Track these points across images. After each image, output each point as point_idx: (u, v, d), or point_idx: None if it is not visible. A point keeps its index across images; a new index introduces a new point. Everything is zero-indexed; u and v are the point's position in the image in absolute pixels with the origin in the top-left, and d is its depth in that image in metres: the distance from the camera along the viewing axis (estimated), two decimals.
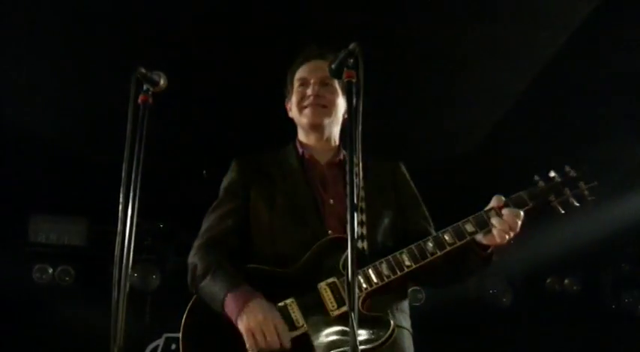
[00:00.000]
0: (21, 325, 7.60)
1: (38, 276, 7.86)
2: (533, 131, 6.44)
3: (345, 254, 2.66)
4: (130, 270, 2.35)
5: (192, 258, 3.01)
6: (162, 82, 2.67)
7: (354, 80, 2.46)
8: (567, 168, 2.96)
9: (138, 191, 2.43)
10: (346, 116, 3.18)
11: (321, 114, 3.16)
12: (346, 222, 2.75)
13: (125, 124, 2.47)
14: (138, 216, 2.43)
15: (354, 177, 2.44)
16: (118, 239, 2.31)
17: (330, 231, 2.98)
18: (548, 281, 8.92)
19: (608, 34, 5.14)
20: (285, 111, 3.39)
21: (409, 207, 3.23)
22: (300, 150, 3.26)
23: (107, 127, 4.76)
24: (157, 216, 7.76)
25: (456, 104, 6.16)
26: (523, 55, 5.45)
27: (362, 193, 3.07)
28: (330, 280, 2.83)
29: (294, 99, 3.24)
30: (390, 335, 2.74)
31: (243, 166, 3.24)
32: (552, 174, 2.95)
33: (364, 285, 2.80)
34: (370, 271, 2.82)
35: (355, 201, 2.91)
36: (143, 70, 2.60)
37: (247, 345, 2.71)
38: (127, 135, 2.41)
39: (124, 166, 2.39)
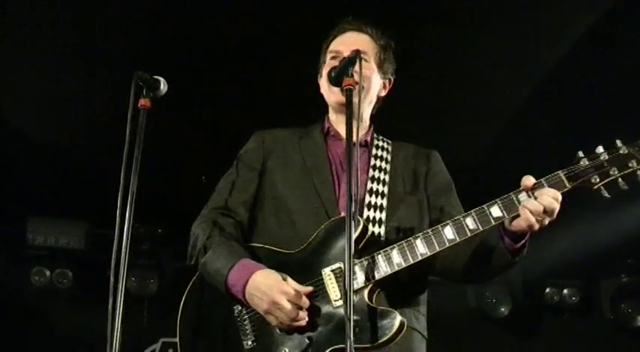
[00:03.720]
0: (19, 328, 7.60)
1: (36, 279, 7.84)
2: (532, 144, 6.43)
3: (357, 236, 2.55)
4: (125, 275, 2.35)
5: (196, 228, 2.85)
6: (162, 86, 2.67)
7: (353, 87, 2.45)
8: (618, 144, 2.48)
9: (135, 195, 2.42)
10: (383, 94, 3.12)
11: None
12: (363, 205, 2.77)
13: (124, 128, 2.47)
14: (136, 221, 2.43)
15: (353, 179, 2.31)
16: (115, 243, 2.30)
17: (343, 213, 2.69)
18: (547, 291, 8.89)
19: (608, 47, 5.14)
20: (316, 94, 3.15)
21: (440, 196, 2.97)
22: (327, 126, 3.08)
23: (107, 131, 4.75)
24: (155, 220, 7.74)
25: (455, 116, 6.15)
26: (523, 67, 5.45)
27: (385, 177, 2.90)
28: (336, 266, 2.58)
29: (324, 73, 2.98)
30: (396, 334, 2.44)
31: (264, 138, 3.07)
32: (600, 150, 2.48)
33: (372, 274, 2.52)
34: (379, 257, 2.54)
35: (376, 188, 2.82)
36: (143, 75, 2.60)
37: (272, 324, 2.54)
38: (126, 140, 2.41)
39: (123, 170, 2.39)
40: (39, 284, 7.84)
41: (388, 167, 2.94)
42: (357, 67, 2.57)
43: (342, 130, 2.99)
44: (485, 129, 6.40)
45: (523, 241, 2.51)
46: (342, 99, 2.65)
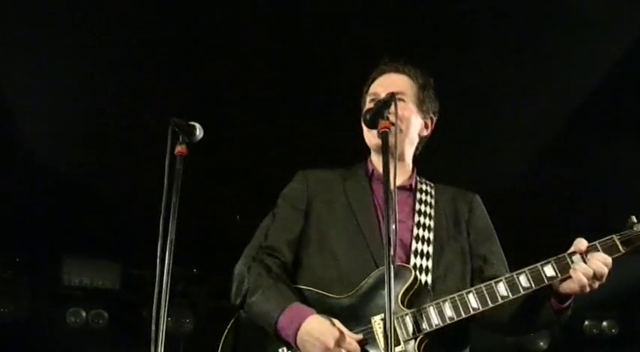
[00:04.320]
0: None
1: (72, 320, 7.87)
2: (568, 170, 6.38)
3: (408, 286, 2.58)
4: (166, 319, 2.36)
5: (241, 268, 2.83)
6: (197, 132, 2.70)
7: (389, 131, 2.45)
8: None
9: (173, 241, 2.44)
10: (425, 134, 3.10)
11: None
12: (409, 251, 2.76)
13: (161, 168, 2.50)
14: (172, 263, 2.45)
15: (392, 221, 2.31)
16: (156, 294, 2.31)
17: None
18: (586, 324, 8.74)
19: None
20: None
21: (482, 243, 2.97)
22: (370, 169, 3.05)
23: (142, 171, 4.80)
24: (189, 260, 7.77)
25: (490, 141, 6.13)
26: (558, 92, 5.43)
27: (430, 223, 2.88)
28: None
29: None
30: None
31: (308, 178, 3.04)
32: None
33: (423, 325, 2.52)
34: (431, 310, 2.54)
35: (422, 234, 2.81)
36: (179, 121, 2.63)
37: None
38: (164, 188, 2.43)
39: (162, 218, 2.41)
40: (75, 325, 7.86)
41: (433, 212, 2.93)
42: (392, 109, 2.59)
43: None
44: (520, 156, 6.36)
45: (569, 302, 2.56)
46: (380, 141, 2.62)
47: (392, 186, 2.37)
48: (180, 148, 2.59)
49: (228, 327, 2.84)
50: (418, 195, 3.00)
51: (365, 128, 2.91)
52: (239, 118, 5.56)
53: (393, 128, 2.61)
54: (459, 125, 5.85)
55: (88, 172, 6.41)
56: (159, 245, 2.36)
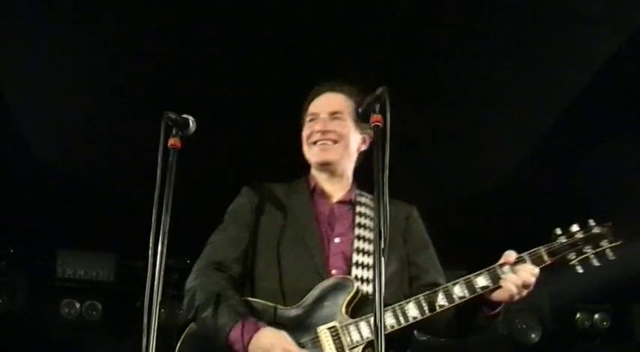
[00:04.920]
0: None
1: (66, 311, 7.89)
2: (558, 169, 6.40)
3: (351, 297, 2.75)
4: (158, 312, 2.38)
5: (193, 283, 2.90)
6: (191, 125, 2.71)
7: (381, 125, 2.46)
8: (591, 224, 2.84)
9: (167, 235, 2.45)
10: (363, 148, 3.21)
11: (332, 151, 3.06)
12: (351, 263, 2.89)
13: (154, 161, 2.51)
14: (166, 254, 2.47)
15: (382, 222, 2.35)
16: (148, 285, 2.33)
17: (334, 271, 2.88)
18: (578, 316, 8.78)
19: (634, 71, 5.12)
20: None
21: (418, 254, 3.11)
22: (312, 184, 3.17)
23: (135, 164, 4.82)
24: (183, 251, 7.77)
25: (480, 142, 6.15)
26: (548, 92, 5.44)
27: (370, 235, 2.98)
28: (331, 324, 2.72)
29: (303, 135, 3.17)
30: None
31: (254, 193, 3.15)
32: (575, 228, 2.82)
33: (366, 334, 2.67)
34: (372, 320, 2.61)
35: (362, 246, 2.94)
36: (172, 115, 2.64)
37: None
38: (157, 182, 2.44)
39: (155, 211, 2.42)
40: (69, 316, 7.89)
41: (372, 224, 3.02)
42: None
43: (327, 188, 3.16)
44: (510, 154, 6.38)
45: (499, 308, 2.76)
46: (323, 158, 3.04)
47: (384, 176, 2.38)
48: (173, 141, 2.61)
49: (181, 341, 2.91)
50: (358, 209, 3.11)
51: (305, 146, 3.13)
52: (233, 111, 5.57)
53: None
54: (449, 124, 5.89)
55: (82, 165, 6.43)
56: (151, 236, 2.37)
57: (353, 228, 3.02)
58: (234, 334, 2.66)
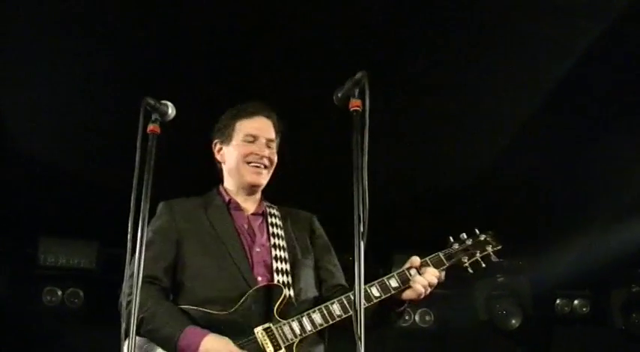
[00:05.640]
0: (30, 348, 7.62)
1: (48, 299, 7.87)
2: (537, 158, 6.43)
3: (280, 301, 3.05)
4: (138, 297, 2.39)
5: (128, 298, 2.88)
6: (170, 111, 2.72)
7: (359, 109, 2.49)
8: (477, 232, 3.28)
9: (146, 219, 2.46)
10: None
11: (263, 176, 3.38)
12: (272, 270, 3.21)
13: (134, 149, 2.53)
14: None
15: (360, 207, 2.37)
16: (126, 269, 2.33)
17: (259, 278, 3.16)
18: (558, 302, 8.87)
19: (612, 61, 5.15)
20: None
21: (323, 258, 3.45)
22: (227, 198, 3.41)
23: (116, 152, 4.81)
24: None
25: (457, 134, 6.16)
26: (525, 82, 5.46)
27: (283, 243, 3.31)
28: (266, 325, 3.01)
29: (237, 151, 3.38)
30: None
31: (172, 210, 3.34)
32: (464, 236, 3.25)
33: (298, 332, 3.00)
34: (304, 319, 3.02)
35: (280, 254, 3.27)
36: (151, 101, 2.64)
37: None
38: (136, 166, 2.45)
39: (133, 196, 2.43)
40: (51, 304, 7.87)
41: (283, 233, 3.37)
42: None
43: (242, 202, 3.43)
44: (489, 146, 6.40)
45: (405, 306, 3.18)
46: (255, 181, 3.35)
47: (363, 161, 2.42)
48: (152, 126, 2.62)
49: None
50: (269, 219, 3.42)
51: (235, 159, 3.39)
52: (213, 95, 5.55)
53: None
54: (430, 118, 5.90)
55: (63, 152, 6.39)
56: (129, 222, 2.39)
57: (269, 238, 3.32)
58: (183, 342, 2.89)
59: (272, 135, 3.43)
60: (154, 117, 2.65)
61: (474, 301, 8.82)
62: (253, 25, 4.89)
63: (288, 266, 3.23)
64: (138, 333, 2.87)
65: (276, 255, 3.26)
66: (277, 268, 3.22)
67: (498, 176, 6.62)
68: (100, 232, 7.57)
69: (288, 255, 3.29)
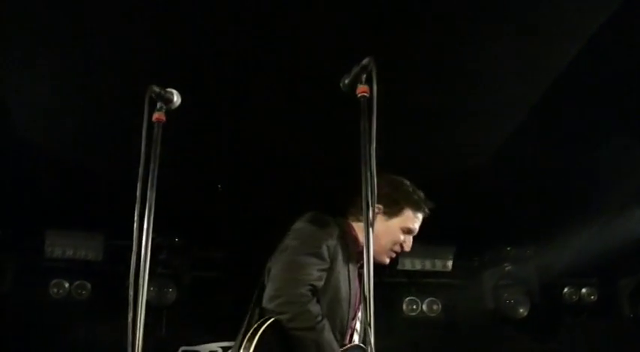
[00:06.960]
0: (38, 339, 7.64)
1: (55, 291, 7.90)
2: (546, 143, 6.40)
3: None
4: (146, 287, 2.37)
5: (305, 306, 2.94)
6: (175, 99, 2.70)
7: (367, 95, 2.47)
8: None
9: (153, 209, 2.44)
10: None
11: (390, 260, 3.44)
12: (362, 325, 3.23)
13: (140, 140, 2.50)
14: (153, 231, 2.47)
15: (370, 194, 2.41)
16: (133, 258, 2.32)
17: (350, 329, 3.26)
18: (565, 290, 8.86)
19: (620, 45, 5.10)
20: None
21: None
22: (359, 249, 3.27)
23: (123, 143, 4.78)
24: (172, 229, 7.78)
25: (467, 117, 6.13)
26: (535, 67, 5.41)
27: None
28: None
29: (393, 235, 3.38)
30: None
31: (335, 234, 3.23)
32: None
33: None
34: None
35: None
36: (156, 89, 2.62)
37: None
38: (141, 154, 2.43)
39: (139, 185, 2.41)
40: (58, 296, 7.90)
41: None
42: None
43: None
44: (498, 129, 6.37)
45: None
46: (386, 263, 3.40)
47: (372, 147, 2.46)
48: (157, 115, 2.59)
49: (258, 337, 2.85)
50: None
51: (388, 243, 3.45)
52: (219, 84, 5.52)
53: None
54: (434, 102, 5.86)
55: (68, 144, 6.37)
56: (135, 213, 2.37)
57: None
58: None
59: None
60: (159, 105, 2.62)
61: (481, 290, 8.82)
62: (259, 10, 4.85)
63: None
64: (313, 328, 2.94)
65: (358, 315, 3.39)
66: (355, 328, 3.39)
67: (505, 165, 6.58)
68: (107, 224, 7.58)
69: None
